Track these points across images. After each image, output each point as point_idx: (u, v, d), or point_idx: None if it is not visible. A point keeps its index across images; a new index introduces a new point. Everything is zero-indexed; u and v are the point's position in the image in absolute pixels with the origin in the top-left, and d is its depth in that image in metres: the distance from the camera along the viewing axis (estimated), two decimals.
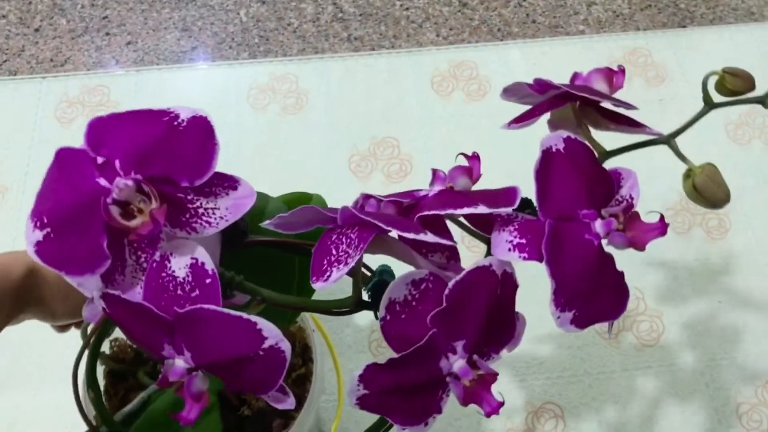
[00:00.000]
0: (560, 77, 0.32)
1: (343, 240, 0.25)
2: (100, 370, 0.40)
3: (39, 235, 0.25)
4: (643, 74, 0.64)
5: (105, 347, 0.40)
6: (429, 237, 0.24)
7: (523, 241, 0.25)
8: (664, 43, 0.66)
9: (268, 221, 0.27)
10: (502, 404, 0.26)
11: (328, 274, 0.25)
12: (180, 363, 0.25)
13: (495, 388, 0.25)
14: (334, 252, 0.25)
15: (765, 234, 0.55)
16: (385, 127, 0.60)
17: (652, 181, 0.52)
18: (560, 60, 0.64)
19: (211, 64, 0.65)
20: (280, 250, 0.32)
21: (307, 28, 0.60)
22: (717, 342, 0.50)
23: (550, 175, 0.26)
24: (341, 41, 0.64)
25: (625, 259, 0.53)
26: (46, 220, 0.25)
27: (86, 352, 0.29)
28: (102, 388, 0.40)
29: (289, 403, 0.27)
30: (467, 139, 0.60)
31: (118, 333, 0.40)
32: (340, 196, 0.30)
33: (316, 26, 0.61)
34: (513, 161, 0.44)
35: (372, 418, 0.28)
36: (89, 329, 0.30)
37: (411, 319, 0.25)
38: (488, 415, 0.26)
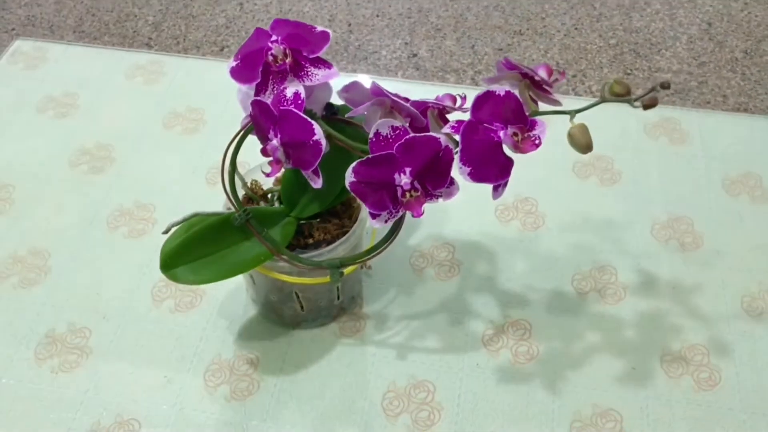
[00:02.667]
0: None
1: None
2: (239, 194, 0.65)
3: (234, 64, 0.52)
4: (669, 135, 0.83)
5: (248, 180, 0.65)
6: (407, 104, 0.47)
7: (456, 125, 0.47)
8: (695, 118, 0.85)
9: (339, 90, 0.51)
10: (422, 213, 0.48)
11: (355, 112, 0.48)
12: (275, 141, 0.50)
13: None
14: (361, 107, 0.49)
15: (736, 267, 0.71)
16: None
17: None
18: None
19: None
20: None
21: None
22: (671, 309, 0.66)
23: (485, 102, 0.48)
24: None
25: (616, 247, 0.71)
26: (239, 57, 0.52)
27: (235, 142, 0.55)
28: None
29: (318, 183, 0.50)
30: None
31: (254, 176, 0.66)
32: None
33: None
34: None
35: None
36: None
37: (385, 146, 0.48)
38: (414, 216, 0.48)
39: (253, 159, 0.64)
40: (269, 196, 0.65)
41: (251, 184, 0.65)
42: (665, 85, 0.47)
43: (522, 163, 0.80)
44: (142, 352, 0.65)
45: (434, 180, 0.48)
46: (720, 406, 0.62)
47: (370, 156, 0.47)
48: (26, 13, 1.59)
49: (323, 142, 0.48)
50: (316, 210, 0.60)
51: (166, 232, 0.57)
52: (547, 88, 0.51)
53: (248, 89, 0.54)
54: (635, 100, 0.48)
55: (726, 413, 0.61)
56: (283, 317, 0.66)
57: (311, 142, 0.48)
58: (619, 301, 0.69)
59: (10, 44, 0.96)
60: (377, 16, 1.59)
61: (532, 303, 0.68)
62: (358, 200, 0.64)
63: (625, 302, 0.69)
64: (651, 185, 0.79)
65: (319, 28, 0.52)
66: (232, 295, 0.69)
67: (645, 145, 0.83)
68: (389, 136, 0.48)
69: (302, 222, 0.62)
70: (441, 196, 0.49)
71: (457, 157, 0.47)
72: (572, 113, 0.50)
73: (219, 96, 0.88)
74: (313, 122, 0.48)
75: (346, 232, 0.62)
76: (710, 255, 0.72)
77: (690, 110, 0.87)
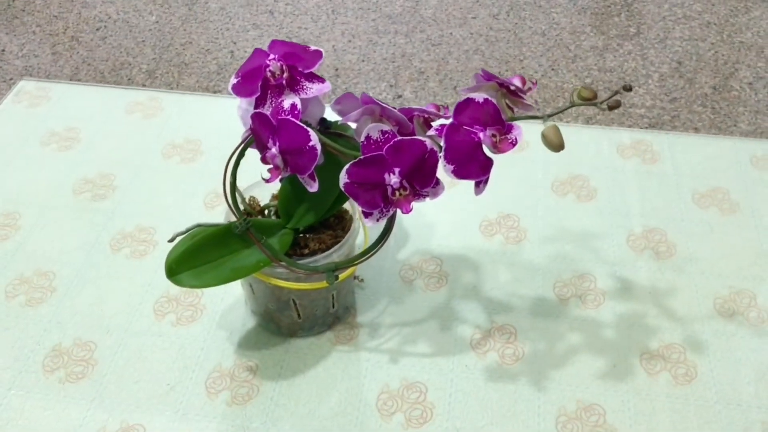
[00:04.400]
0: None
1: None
2: None
3: (235, 80, 0.56)
4: (641, 156, 0.89)
5: (246, 197, 0.69)
6: (394, 110, 0.52)
7: (440, 129, 0.52)
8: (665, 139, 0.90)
9: (332, 103, 0.56)
10: (411, 210, 0.52)
11: (347, 119, 0.53)
12: (273, 150, 0.54)
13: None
14: (353, 114, 0.54)
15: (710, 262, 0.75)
16: None
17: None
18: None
19: None
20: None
21: None
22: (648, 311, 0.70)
23: (466, 107, 0.52)
24: None
25: (594, 257, 0.75)
26: (240, 74, 0.56)
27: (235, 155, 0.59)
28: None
29: (314, 187, 0.55)
30: None
31: (251, 193, 0.70)
32: None
33: None
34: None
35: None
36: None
37: (375, 149, 0.52)
38: (404, 212, 0.52)
39: (249, 180, 0.68)
40: (266, 211, 0.69)
41: (249, 200, 0.69)
42: (627, 88, 0.52)
43: (504, 183, 0.85)
44: (146, 363, 0.68)
45: (421, 180, 0.53)
46: (696, 399, 0.65)
47: (362, 157, 0.51)
48: (24, 64, 1.65)
49: (318, 147, 0.53)
50: (311, 220, 0.64)
51: (171, 240, 0.61)
52: (521, 94, 0.55)
53: (248, 105, 0.58)
54: (601, 102, 0.53)
55: (702, 405, 0.64)
56: (280, 327, 0.69)
57: (307, 148, 0.53)
58: (598, 305, 0.72)
59: (15, 85, 1.00)
60: (363, 61, 1.66)
61: (517, 309, 0.72)
62: (350, 212, 0.68)
63: (605, 306, 0.72)
64: (625, 201, 0.83)
65: (313, 48, 0.57)
66: (231, 309, 0.72)
67: (619, 165, 0.88)
68: (379, 140, 0.52)
69: (298, 235, 0.66)
70: (428, 195, 0.54)
71: (442, 158, 0.52)
72: (545, 117, 0.55)
73: (215, 129, 0.93)
74: (308, 129, 0.53)
75: (337, 242, 0.66)
76: (683, 262, 0.77)
77: (660, 133, 0.93)
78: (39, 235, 0.79)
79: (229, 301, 0.73)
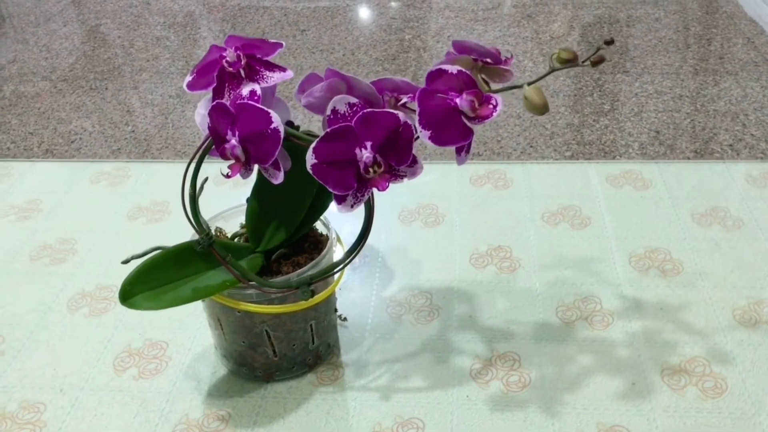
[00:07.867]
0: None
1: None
2: None
3: (189, 77, 0.52)
4: (632, 184, 0.84)
5: (212, 228, 0.63)
6: (363, 82, 0.47)
7: (412, 95, 0.47)
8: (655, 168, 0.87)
9: (296, 92, 0.51)
10: (387, 186, 0.47)
11: (309, 95, 0.48)
12: (233, 140, 0.49)
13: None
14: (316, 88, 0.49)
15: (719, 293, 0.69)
16: None
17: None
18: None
19: None
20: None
21: None
22: (656, 336, 0.63)
23: (439, 76, 0.48)
24: None
25: (596, 279, 0.69)
26: (195, 71, 0.52)
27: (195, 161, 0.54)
28: None
29: (280, 178, 0.49)
30: None
31: (217, 223, 0.64)
32: None
33: None
34: None
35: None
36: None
37: (343, 122, 0.47)
38: (380, 190, 0.47)
39: (213, 210, 0.63)
40: (235, 240, 0.63)
41: (215, 231, 0.64)
42: (609, 42, 0.48)
43: (490, 218, 0.80)
44: (102, 420, 0.59)
45: (396, 156, 0.48)
46: (732, 412, 0.57)
47: (329, 130, 0.46)
48: None
49: (281, 129, 0.48)
50: (282, 238, 0.58)
51: (126, 262, 0.55)
52: (498, 64, 0.51)
53: (206, 111, 0.54)
54: (584, 62, 0.49)
55: (740, 417, 0.56)
56: (255, 369, 0.61)
57: (269, 131, 0.48)
58: (607, 326, 0.65)
59: None
60: None
61: (518, 335, 0.65)
62: (326, 233, 0.62)
63: (614, 326, 0.65)
64: (622, 225, 0.78)
65: (272, 41, 0.53)
66: (199, 359, 0.65)
67: (610, 193, 0.83)
68: (347, 113, 0.47)
69: (271, 261, 0.60)
70: (405, 175, 0.48)
71: (418, 127, 0.47)
72: (525, 84, 0.50)
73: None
74: (269, 111, 0.48)
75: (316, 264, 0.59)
76: (693, 277, 0.71)
77: (649, 162, 0.89)
78: None
79: (197, 351, 0.65)
